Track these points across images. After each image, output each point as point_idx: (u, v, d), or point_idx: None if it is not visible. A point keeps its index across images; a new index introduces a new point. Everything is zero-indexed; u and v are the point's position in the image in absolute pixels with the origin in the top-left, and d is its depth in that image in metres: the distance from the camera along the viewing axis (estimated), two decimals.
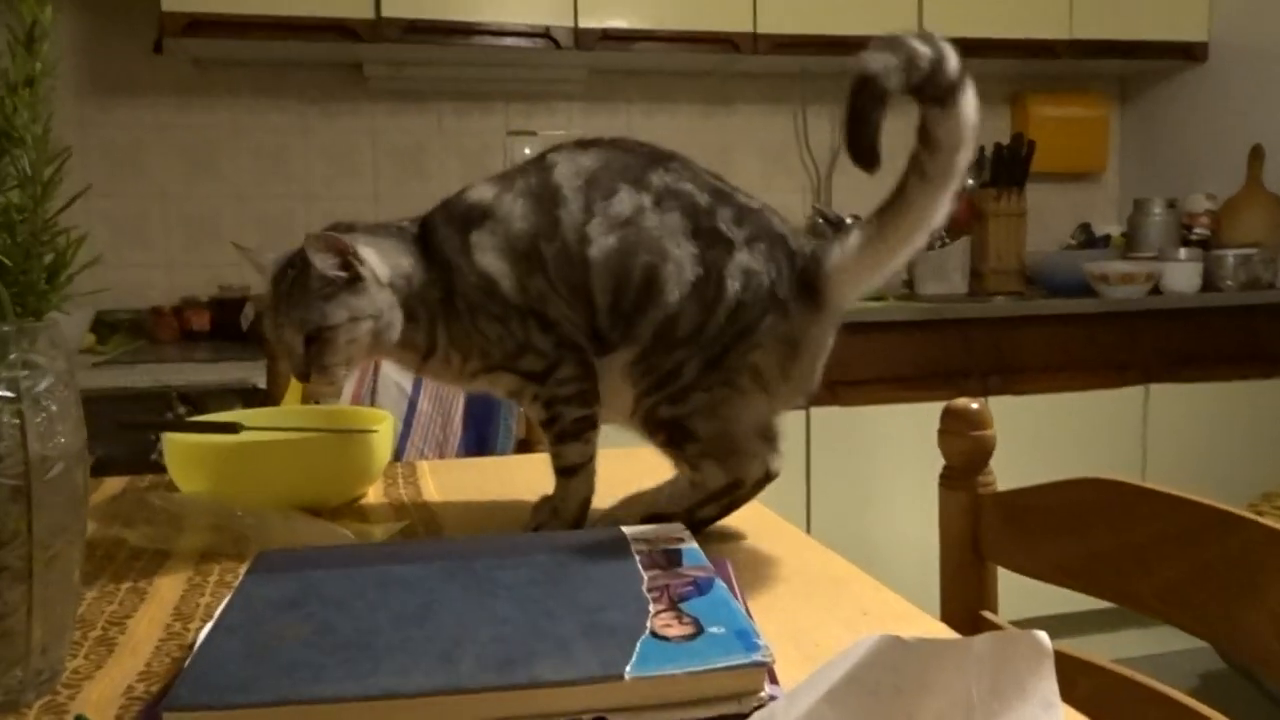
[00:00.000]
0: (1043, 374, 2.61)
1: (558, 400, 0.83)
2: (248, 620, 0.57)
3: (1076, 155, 3.26)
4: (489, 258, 0.81)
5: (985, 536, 0.84)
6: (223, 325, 2.58)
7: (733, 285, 0.78)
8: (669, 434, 0.80)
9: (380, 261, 0.82)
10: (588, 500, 0.87)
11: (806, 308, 0.79)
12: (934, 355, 2.57)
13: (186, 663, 0.52)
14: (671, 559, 0.65)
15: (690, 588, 0.60)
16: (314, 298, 0.79)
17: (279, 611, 0.58)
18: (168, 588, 0.78)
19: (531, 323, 0.81)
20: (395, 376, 1.88)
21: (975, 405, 0.84)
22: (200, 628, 0.67)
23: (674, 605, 0.57)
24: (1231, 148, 2.97)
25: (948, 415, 0.85)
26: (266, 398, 1.81)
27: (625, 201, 0.80)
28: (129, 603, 0.74)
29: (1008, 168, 3.03)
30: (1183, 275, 2.72)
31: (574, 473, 0.85)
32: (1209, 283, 2.76)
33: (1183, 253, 2.77)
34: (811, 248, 0.80)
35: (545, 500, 0.88)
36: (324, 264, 0.79)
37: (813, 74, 3.04)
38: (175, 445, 0.97)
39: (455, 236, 0.83)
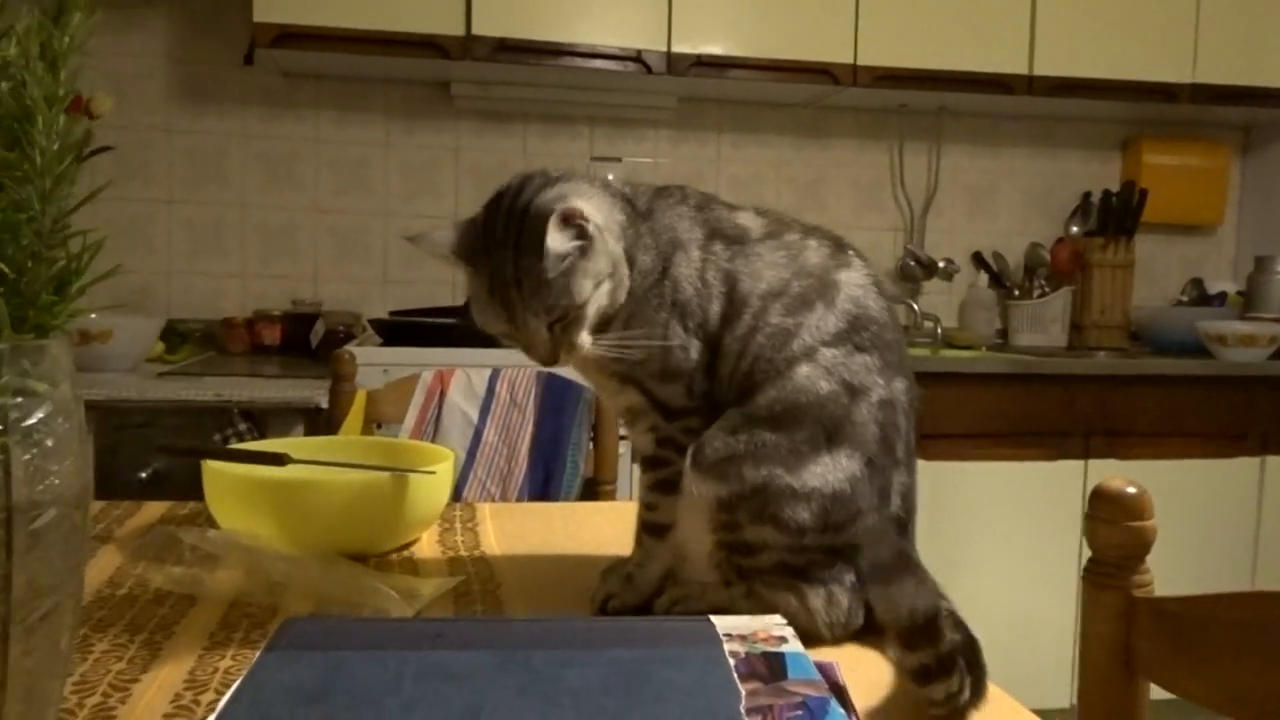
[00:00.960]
0: (1150, 438, 2.42)
1: (673, 444, 0.75)
2: (257, 717, 0.47)
3: (1191, 206, 3.06)
4: (718, 275, 0.74)
5: (1140, 649, 0.70)
6: (293, 340, 2.53)
7: (855, 529, 0.71)
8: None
9: (598, 213, 0.73)
10: (667, 574, 0.76)
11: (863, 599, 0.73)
12: (1030, 412, 2.40)
13: None
14: (774, 667, 0.53)
15: (800, 713, 0.48)
16: (555, 277, 0.70)
17: (296, 705, 0.48)
18: (186, 644, 0.68)
19: (704, 358, 0.74)
20: (462, 405, 1.80)
21: (1133, 490, 0.71)
22: (214, 703, 0.58)
23: None
24: None
25: (1099, 499, 0.72)
26: (329, 419, 1.74)
27: (863, 371, 0.73)
28: (139, 661, 0.65)
29: (1116, 216, 2.86)
30: None
31: (661, 533, 0.76)
32: None
33: None
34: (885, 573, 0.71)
35: (619, 565, 0.79)
36: (562, 243, 0.70)
37: (911, 110, 2.91)
38: (215, 475, 0.89)
39: (698, 230, 0.76)
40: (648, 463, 0.77)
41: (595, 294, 0.71)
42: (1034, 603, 2.36)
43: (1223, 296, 2.85)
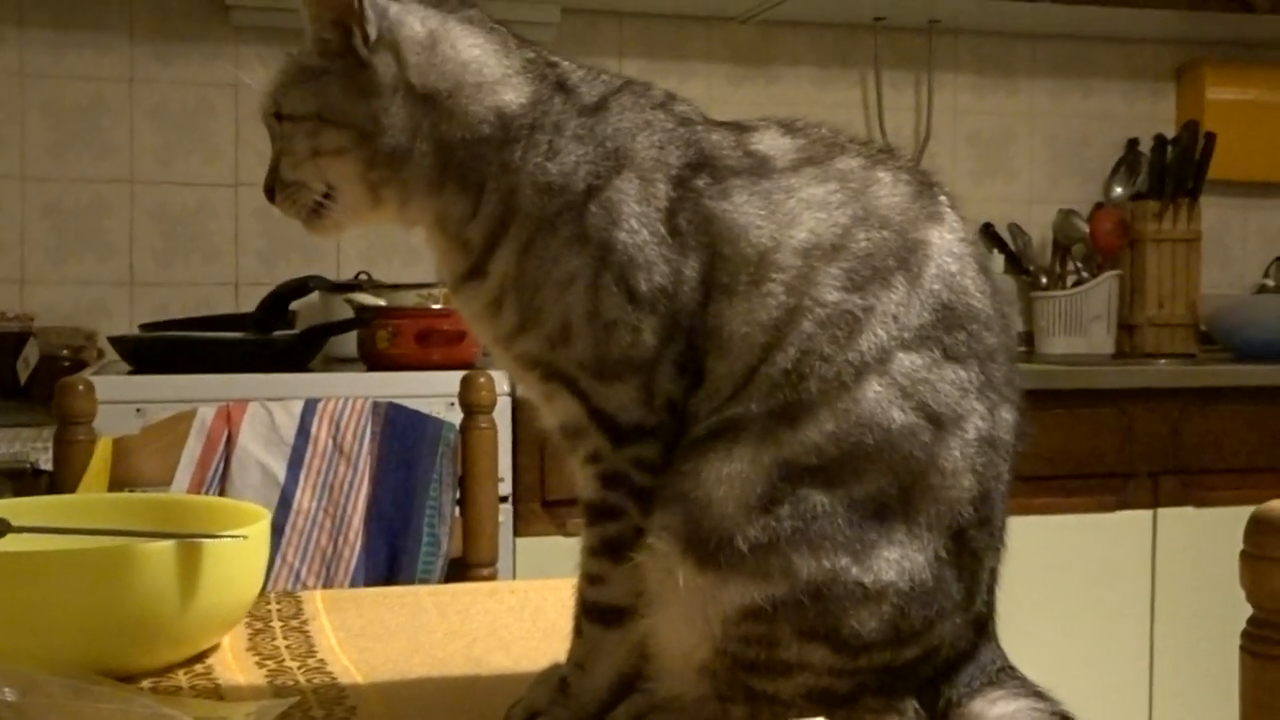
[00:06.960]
0: (1241, 475, 2.49)
1: (625, 484, 0.72)
2: None
3: (1272, 158, 3.17)
4: (694, 220, 0.71)
5: None
6: None
7: (930, 638, 0.69)
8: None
9: (446, 49, 0.76)
10: (623, 681, 0.73)
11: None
12: (1074, 446, 2.44)
13: None
14: None
15: None
16: (297, 69, 0.79)
17: None
18: None
19: (674, 347, 0.70)
20: (260, 455, 1.74)
21: None
22: None
23: None
24: None
25: (1262, 528, 0.70)
26: (55, 483, 1.65)
27: (955, 393, 0.69)
28: None
29: (1174, 171, 2.94)
30: None
31: (611, 620, 0.73)
32: None
33: None
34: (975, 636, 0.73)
35: (552, 670, 0.76)
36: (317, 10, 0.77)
37: (891, 25, 2.96)
38: None
39: (674, 154, 0.73)
40: (591, 513, 0.74)
41: (309, 129, 0.76)
42: (1097, 693, 2.38)
43: None
